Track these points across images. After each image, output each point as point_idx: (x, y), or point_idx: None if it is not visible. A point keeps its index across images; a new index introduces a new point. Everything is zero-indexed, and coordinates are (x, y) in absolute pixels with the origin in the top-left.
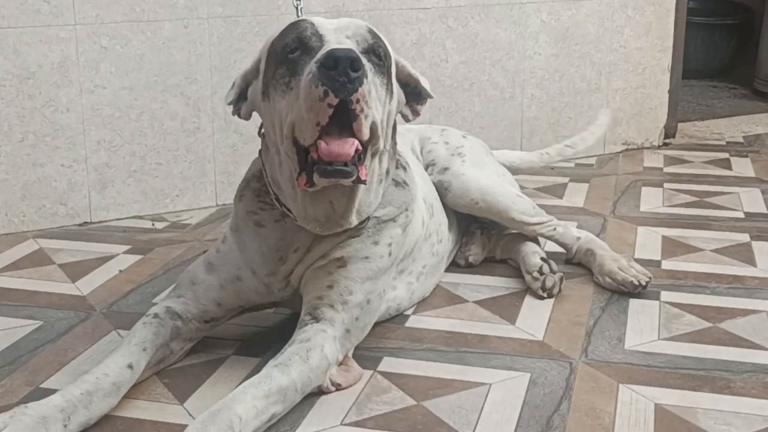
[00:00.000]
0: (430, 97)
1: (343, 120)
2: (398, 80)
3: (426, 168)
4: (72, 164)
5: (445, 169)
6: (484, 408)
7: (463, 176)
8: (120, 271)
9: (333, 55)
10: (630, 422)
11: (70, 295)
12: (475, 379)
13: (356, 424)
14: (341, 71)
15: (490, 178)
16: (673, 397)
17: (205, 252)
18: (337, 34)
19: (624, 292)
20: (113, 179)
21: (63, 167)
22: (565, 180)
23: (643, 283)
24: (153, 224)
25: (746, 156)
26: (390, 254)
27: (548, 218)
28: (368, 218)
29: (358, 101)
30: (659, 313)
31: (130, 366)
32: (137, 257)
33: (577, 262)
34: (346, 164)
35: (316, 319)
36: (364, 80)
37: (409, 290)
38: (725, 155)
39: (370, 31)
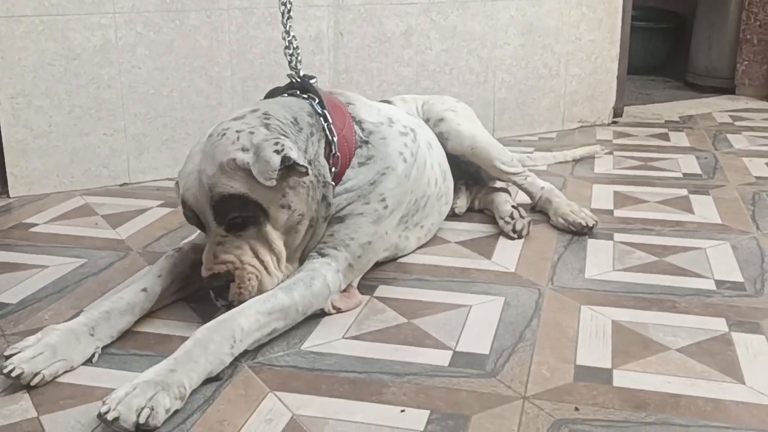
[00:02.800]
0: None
1: None
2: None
3: (426, 122)
4: (113, 133)
5: (441, 120)
6: (466, 324)
7: (459, 126)
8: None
9: None
10: (591, 334)
11: (111, 239)
12: (458, 302)
13: (356, 337)
14: None
15: (481, 131)
16: (627, 315)
17: None
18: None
19: (573, 231)
20: (148, 146)
21: (105, 136)
22: (530, 150)
23: (590, 225)
24: None
25: (682, 131)
26: (386, 207)
27: (522, 169)
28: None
29: None
30: (613, 250)
31: (144, 290)
32: (168, 209)
33: (539, 210)
34: None
35: (322, 255)
36: None
37: (417, 241)
38: (664, 130)
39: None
